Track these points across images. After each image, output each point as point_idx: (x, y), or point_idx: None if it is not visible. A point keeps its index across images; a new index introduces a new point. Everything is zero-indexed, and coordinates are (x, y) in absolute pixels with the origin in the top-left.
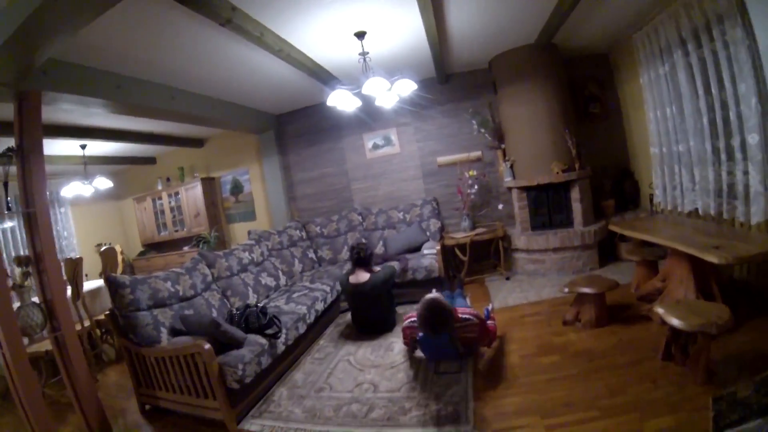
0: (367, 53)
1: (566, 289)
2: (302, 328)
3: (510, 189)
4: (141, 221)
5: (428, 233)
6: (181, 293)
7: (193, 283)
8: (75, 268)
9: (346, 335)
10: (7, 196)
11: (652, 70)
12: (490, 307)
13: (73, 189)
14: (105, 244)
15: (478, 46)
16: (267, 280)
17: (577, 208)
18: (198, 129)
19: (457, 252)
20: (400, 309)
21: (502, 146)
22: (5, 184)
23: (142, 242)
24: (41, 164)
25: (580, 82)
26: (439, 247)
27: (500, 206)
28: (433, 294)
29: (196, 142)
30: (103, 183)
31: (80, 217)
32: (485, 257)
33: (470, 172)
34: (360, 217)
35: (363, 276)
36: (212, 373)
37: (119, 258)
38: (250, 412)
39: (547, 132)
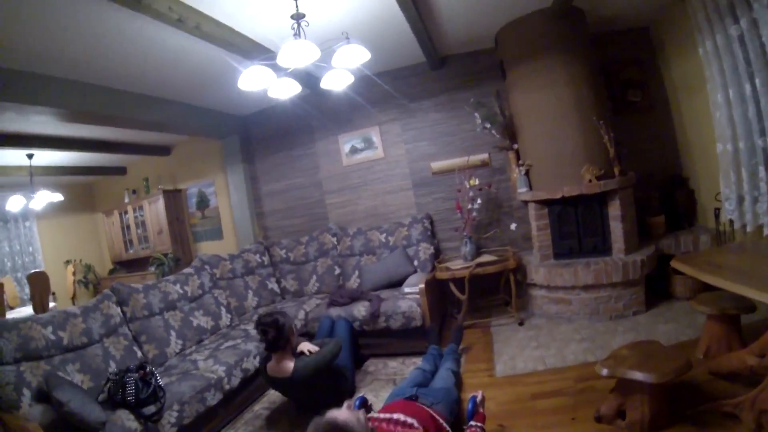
0: (303, 16)
1: (605, 371)
2: (214, 399)
3: (526, 203)
4: (110, 237)
5: (416, 262)
6: (65, 341)
7: (87, 329)
8: None
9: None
10: None
11: (719, 33)
12: (478, 397)
13: (15, 203)
14: (74, 261)
15: (478, 12)
16: (201, 320)
17: (617, 229)
18: (159, 135)
19: (453, 288)
20: (370, 366)
21: (515, 147)
22: None
23: (111, 259)
24: None
25: (614, 65)
26: (422, 285)
27: (513, 226)
28: (336, 417)
29: (162, 150)
30: (49, 197)
31: (48, 232)
32: (493, 291)
33: (471, 182)
34: (334, 239)
35: (285, 366)
36: None
37: (70, 280)
38: None
39: (575, 126)
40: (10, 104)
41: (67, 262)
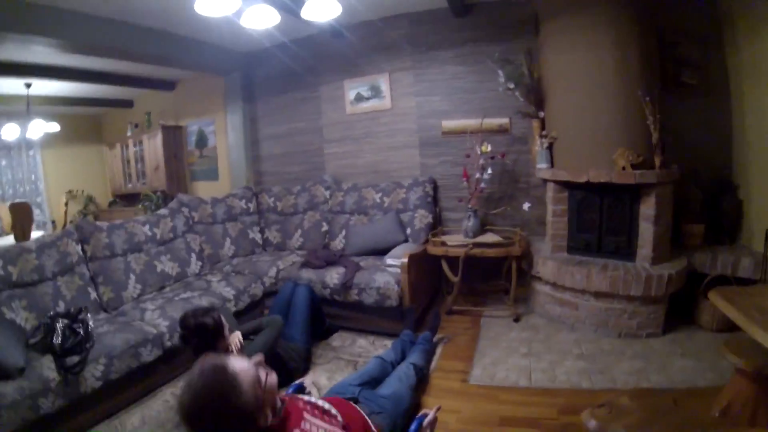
0: None
1: (593, 424)
2: (151, 355)
3: (545, 181)
4: (111, 169)
5: (409, 230)
6: (15, 277)
7: (40, 265)
8: None
9: None
10: None
11: None
12: (428, 417)
13: (10, 131)
14: (76, 192)
15: None
16: (167, 265)
17: (647, 231)
18: (163, 69)
19: (445, 267)
20: (336, 340)
21: (541, 115)
22: None
23: (112, 192)
24: None
25: (669, 37)
26: (405, 260)
27: (526, 206)
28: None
29: (167, 85)
30: (44, 126)
31: (52, 162)
32: (494, 276)
33: (483, 148)
34: (327, 193)
35: None
36: None
37: (64, 210)
38: None
39: (615, 99)
40: (11, 34)
41: (69, 191)
